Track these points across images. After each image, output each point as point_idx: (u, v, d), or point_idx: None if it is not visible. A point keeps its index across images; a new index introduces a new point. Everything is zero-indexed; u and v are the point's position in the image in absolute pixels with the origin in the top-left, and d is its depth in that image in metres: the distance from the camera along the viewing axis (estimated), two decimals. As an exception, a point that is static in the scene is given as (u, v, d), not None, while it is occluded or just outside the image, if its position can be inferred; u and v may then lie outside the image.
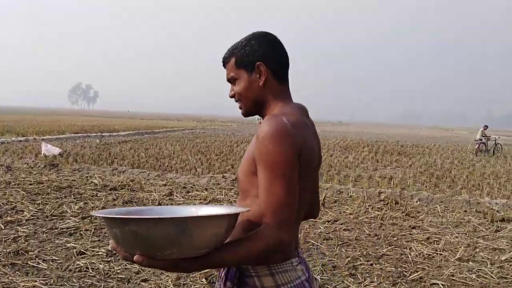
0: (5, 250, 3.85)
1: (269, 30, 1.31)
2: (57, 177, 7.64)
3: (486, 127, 17.30)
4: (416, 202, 6.81)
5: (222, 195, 6.77)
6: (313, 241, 4.60)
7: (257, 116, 1.33)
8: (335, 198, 6.90)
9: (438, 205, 6.59)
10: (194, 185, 7.43)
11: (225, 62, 1.30)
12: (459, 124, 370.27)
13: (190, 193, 6.79)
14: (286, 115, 1.16)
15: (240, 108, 1.31)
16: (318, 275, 3.69)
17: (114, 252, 1.12)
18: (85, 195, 6.26)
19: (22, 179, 7.32)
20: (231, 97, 1.31)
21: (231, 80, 1.29)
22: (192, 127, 33.50)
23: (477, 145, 16.96)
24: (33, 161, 8.99)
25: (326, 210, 6.02)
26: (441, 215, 6.07)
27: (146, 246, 0.95)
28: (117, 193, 6.47)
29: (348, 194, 7.21)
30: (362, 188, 7.58)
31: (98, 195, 6.33)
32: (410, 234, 5.10)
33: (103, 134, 19.67)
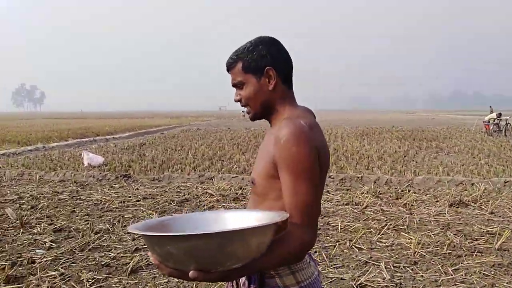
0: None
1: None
2: (153, 189, 6.90)
3: (491, 108, 17.94)
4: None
5: (328, 197, 6.34)
6: None
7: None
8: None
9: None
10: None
11: (230, 66, 1.31)
12: (405, 107, 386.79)
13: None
14: (301, 118, 1.20)
15: (248, 113, 1.33)
16: None
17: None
18: (218, 207, 5.64)
19: (116, 193, 6.51)
20: (237, 101, 1.33)
21: (238, 85, 1.31)
22: (176, 124, 32.35)
23: (491, 126, 17.58)
24: (100, 173, 8.07)
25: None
26: None
27: (207, 261, 0.95)
28: (246, 202, 5.88)
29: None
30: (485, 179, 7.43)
31: (230, 206, 5.72)
32: None
33: (95, 138, 18.24)
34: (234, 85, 1.33)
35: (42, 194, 6.62)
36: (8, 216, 5.17)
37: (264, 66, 1.27)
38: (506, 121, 17.63)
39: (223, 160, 10.51)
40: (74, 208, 5.74)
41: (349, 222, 4.93)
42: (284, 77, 1.31)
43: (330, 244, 4.19)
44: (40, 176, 8.06)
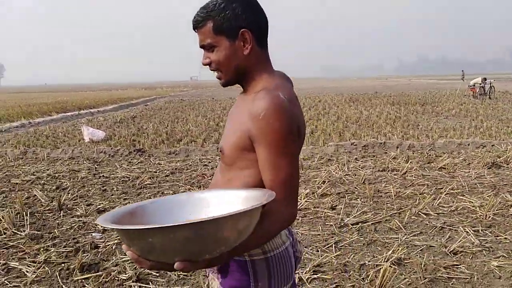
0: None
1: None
2: (175, 163, 6.62)
3: (484, 79, 18.33)
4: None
5: (359, 165, 6.28)
6: None
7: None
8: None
9: None
10: (326, 156, 6.83)
11: (198, 25, 1.17)
12: (378, 74, 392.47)
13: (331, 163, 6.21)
14: (280, 89, 1.13)
15: (219, 78, 1.22)
16: None
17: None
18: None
19: (139, 169, 6.19)
20: (206, 64, 1.21)
21: (207, 47, 1.18)
22: (156, 95, 31.45)
23: (477, 89, 18.00)
24: (111, 149, 7.66)
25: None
26: None
27: (196, 251, 0.89)
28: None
29: None
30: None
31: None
32: None
33: (80, 112, 17.35)
34: (202, 47, 1.20)
35: (59, 173, 6.21)
36: (38, 199, 4.81)
37: (238, 27, 1.14)
38: (490, 84, 18.06)
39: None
40: (102, 186, 5.41)
41: (398, 188, 4.87)
42: (260, 40, 1.19)
43: (394, 212, 4.11)
44: (46, 154, 7.58)
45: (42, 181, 5.75)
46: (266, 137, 1.08)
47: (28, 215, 4.20)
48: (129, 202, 4.62)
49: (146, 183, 5.49)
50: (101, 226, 3.64)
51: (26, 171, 6.37)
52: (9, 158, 7.35)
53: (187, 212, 1.13)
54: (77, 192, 5.14)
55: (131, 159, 7.11)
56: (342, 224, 3.78)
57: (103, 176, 5.98)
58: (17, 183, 5.69)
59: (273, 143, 1.08)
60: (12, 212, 4.16)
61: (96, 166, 6.65)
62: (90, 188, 5.32)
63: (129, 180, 5.71)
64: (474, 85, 18.56)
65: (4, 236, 3.70)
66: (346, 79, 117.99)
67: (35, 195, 4.96)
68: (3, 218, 3.94)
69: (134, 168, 6.41)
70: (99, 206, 4.48)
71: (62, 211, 4.37)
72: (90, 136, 9.33)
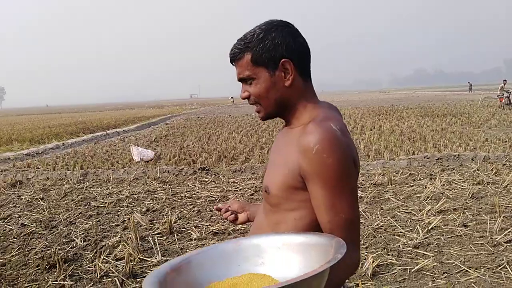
0: None
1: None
2: (248, 181, 6.40)
3: (505, 81, 18.24)
4: None
5: (448, 179, 6.07)
6: None
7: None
8: None
9: None
10: (403, 169, 6.63)
11: (236, 58, 1.10)
12: (374, 87, 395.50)
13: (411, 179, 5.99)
14: (331, 120, 1.04)
15: (258, 112, 1.14)
16: None
17: None
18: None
19: (217, 188, 5.97)
20: (244, 98, 1.13)
21: (246, 80, 1.10)
22: (170, 113, 31.34)
23: (503, 99, 17.93)
24: (175, 168, 7.44)
25: None
26: None
27: None
28: (393, 188, 5.51)
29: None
30: None
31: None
32: None
33: (107, 132, 17.14)
34: (240, 80, 1.13)
35: (136, 194, 5.99)
36: (139, 223, 4.58)
37: (279, 57, 1.06)
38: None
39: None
40: (193, 207, 5.18)
41: (513, 202, 4.65)
42: (302, 69, 1.10)
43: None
44: (106, 175, 7.36)
45: (125, 203, 5.52)
46: (321, 174, 0.98)
47: (138, 239, 3.98)
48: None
49: (238, 202, 5.26)
50: None
51: (100, 193, 6.14)
52: (71, 180, 7.12)
53: (236, 263, 0.99)
54: (171, 213, 4.91)
55: (200, 178, 6.89)
56: (495, 243, 3.55)
57: (184, 196, 5.76)
58: (97, 206, 5.46)
59: (330, 181, 0.98)
60: (133, 238, 3.93)
61: (169, 186, 6.42)
62: (182, 209, 5.09)
63: (215, 199, 5.49)
64: (503, 95, 18.48)
65: (134, 263, 3.46)
66: (344, 93, 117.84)
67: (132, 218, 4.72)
68: (124, 243, 3.71)
69: (211, 187, 6.19)
70: (213, 229, 4.24)
71: (174, 235, 4.14)
72: (141, 155, 9.12)
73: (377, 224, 4.12)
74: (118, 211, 5.17)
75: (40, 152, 11.78)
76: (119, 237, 4.12)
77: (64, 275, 3.29)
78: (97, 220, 4.83)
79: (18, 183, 7.19)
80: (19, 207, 5.64)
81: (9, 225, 4.75)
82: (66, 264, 3.49)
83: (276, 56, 1.06)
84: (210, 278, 0.93)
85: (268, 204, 1.12)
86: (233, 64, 1.13)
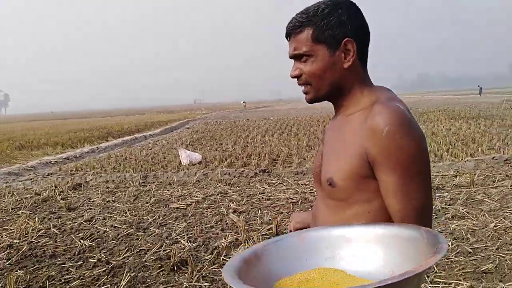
0: None
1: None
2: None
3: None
4: None
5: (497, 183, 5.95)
6: None
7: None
8: None
9: None
10: (472, 172, 6.51)
11: (294, 31, 1.01)
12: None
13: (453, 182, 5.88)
14: (396, 101, 0.96)
15: (306, 93, 1.04)
16: None
17: None
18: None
19: (288, 189, 5.87)
20: (294, 77, 1.04)
21: (301, 57, 1.01)
22: (187, 118, 31.33)
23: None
24: (235, 170, 7.37)
25: None
26: None
27: None
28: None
29: None
30: None
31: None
32: None
33: (136, 136, 17.12)
34: (293, 56, 1.03)
35: (210, 196, 5.89)
36: (234, 224, 4.47)
37: (342, 36, 0.98)
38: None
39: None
40: (278, 209, 5.08)
41: None
42: (362, 52, 1.03)
43: None
44: (167, 178, 7.27)
45: (205, 205, 5.43)
46: (393, 157, 0.90)
47: (248, 240, 3.88)
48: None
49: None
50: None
51: (171, 195, 6.05)
52: (132, 183, 7.04)
53: (303, 257, 0.91)
54: (270, 215, 4.81)
55: (265, 180, 6.79)
56: None
57: (262, 198, 5.66)
58: (177, 208, 5.37)
59: (403, 164, 0.90)
60: (243, 238, 3.83)
61: (237, 188, 6.33)
62: (267, 211, 4.99)
63: (296, 201, 5.39)
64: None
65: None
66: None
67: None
68: (244, 244, 3.62)
69: (283, 189, 6.09)
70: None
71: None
72: (189, 158, 9.05)
73: (495, 226, 4.00)
74: (203, 213, 5.07)
75: (77, 156, 11.74)
76: (224, 239, 4.01)
77: (197, 276, 3.19)
78: (188, 222, 4.73)
79: (78, 185, 7.12)
80: (94, 209, 5.56)
81: (101, 227, 4.66)
82: (191, 265, 3.38)
83: (339, 35, 0.98)
84: (278, 272, 0.87)
85: (332, 200, 1.01)
86: (287, 39, 1.04)
